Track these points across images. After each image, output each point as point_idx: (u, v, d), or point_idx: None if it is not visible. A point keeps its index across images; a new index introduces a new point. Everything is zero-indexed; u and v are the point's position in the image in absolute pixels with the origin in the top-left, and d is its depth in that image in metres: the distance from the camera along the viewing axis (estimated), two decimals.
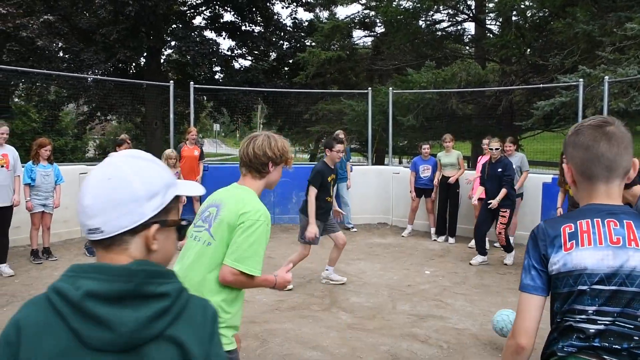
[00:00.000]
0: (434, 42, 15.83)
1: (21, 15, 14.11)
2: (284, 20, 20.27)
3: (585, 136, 1.59)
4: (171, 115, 10.29)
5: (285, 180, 10.21)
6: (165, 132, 15.17)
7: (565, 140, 1.67)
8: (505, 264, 7.28)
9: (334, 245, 6.28)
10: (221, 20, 20.10)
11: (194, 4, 19.82)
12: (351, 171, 9.80)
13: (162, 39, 18.11)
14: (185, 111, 16.06)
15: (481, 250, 7.34)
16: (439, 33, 16.28)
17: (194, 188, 1.22)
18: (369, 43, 19.67)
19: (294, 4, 20.13)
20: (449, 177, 8.75)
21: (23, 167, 6.76)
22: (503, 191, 6.98)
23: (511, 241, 8.35)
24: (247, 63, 20.52)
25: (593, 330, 1.50)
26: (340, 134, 9.58)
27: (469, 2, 15.36)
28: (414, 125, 12.51)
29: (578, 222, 1.56)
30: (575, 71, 9.64)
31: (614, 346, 1.48)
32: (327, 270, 6.39)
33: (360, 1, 16.69)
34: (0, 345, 1.02)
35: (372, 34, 18.95)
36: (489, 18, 14.96)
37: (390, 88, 11.40)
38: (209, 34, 19.47)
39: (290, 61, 19.48)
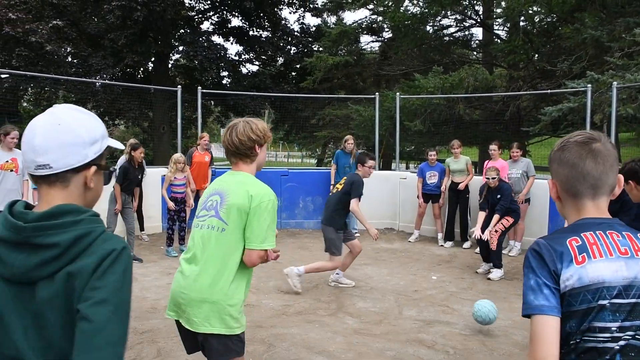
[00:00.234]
0: (442, 48, 15.81)
1: (30, 20, 14.25)
2: (291, 25, 20.35)
3: (571, 153, 1.53)
4: (179, 120, 10.34)
5: (292, 185, 10.23)
6: (172, 137, 15.25)
7: (551, 155, 1.61)
8: (489, 279, 6.84)
9: (348, 251, 6.30)
10: (229, 26, 20.20)
11: (202, 9, 19.92)
12: None
13: (170, 44, 18.21)
14: (192, 116, 16.11)
15: (497, 264, 6.99)
16: (447, 38, 16.26)
17: (120, 143, 1.48)
18: (377, 48, 19.73)
19: (302, 9, 20.21)
20: (459, 183, 8.75)
21: None
22: (496, 217, 6.94)
23: (517, 249, 8.31)
24: (254, 68, 20.64)
25: (617, 348, 1.42)
26: (350, 139, 9.59)
27: (476, 8, 15.36)
28: (421, 131, 12.50)
29: (582, 234, 1.49)
30: (583, 77, 9.56)
31: None
32: (337, 274, 6.40)
33: (367, 6, 16.72)
34: None
35: (380, 39, 18.98)
36: (497, 23, 14.91)
37: (398, 93, 11.40)
38: (216, 39, 19.61)
39: (298, 66, 19.56)
